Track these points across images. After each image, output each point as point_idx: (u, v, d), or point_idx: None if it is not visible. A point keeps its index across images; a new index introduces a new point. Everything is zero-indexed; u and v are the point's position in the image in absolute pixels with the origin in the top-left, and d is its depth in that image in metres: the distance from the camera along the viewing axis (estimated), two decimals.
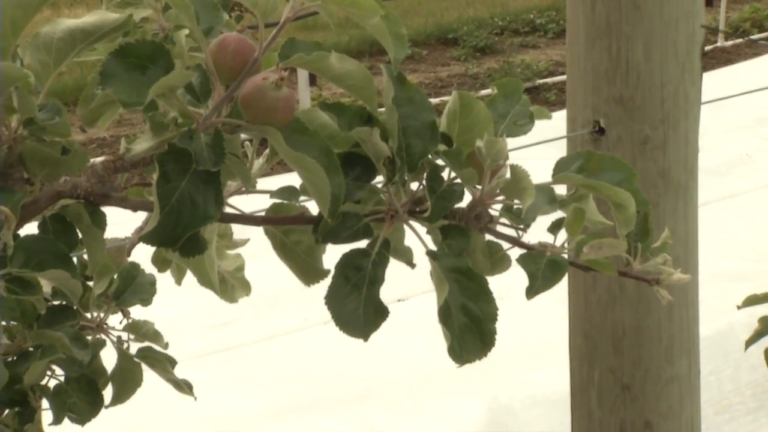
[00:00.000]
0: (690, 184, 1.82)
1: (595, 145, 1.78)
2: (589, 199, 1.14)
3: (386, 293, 1.11)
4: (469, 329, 1.09)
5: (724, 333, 2.82)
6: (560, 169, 1.14)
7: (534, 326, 1.90)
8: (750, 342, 2.48)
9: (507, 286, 1.18)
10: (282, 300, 4.35)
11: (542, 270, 1.11)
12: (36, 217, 1.08)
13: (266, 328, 4.33)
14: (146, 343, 1.51)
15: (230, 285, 1.42)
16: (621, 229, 1.12)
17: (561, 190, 1.17)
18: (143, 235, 1.03)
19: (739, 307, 2.47)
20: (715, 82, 8.23)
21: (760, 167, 5.98)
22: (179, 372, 1.50)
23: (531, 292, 1.11)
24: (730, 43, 9.93)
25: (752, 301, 2.45)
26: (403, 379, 3.98)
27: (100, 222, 1.12)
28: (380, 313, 1.10)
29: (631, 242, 1.14)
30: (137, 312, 1.50)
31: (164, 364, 1.50)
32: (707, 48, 10.26)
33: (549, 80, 10.08)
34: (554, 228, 1.15)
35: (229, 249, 1.41)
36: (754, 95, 8.52)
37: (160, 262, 1.42)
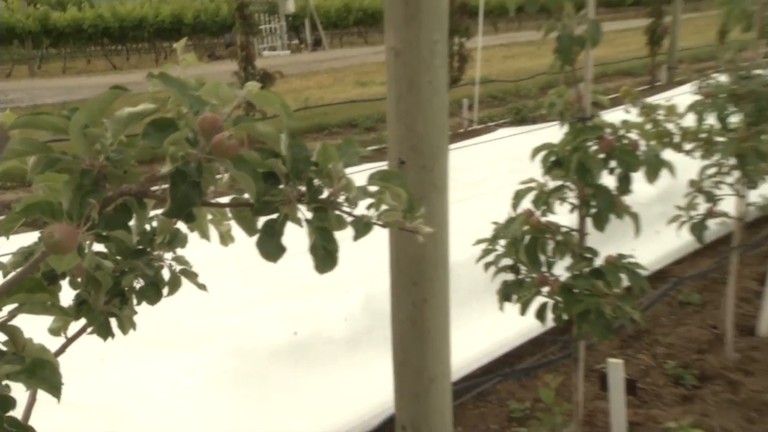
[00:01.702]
0: (443, 188, 1.83)
1: (400, 169, 1.78)
2: (386, 193, 1.18)
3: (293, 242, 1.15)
4: (324, 256, 1.13)
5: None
6: (372, 178, 1.18)
7: (378, 257, 1.91)
8: (479, 259, 2.54)
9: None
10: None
11: (361, 227, 1.15)
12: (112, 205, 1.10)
13: (244, 263, 4.24)
14: (183, 267, 1.55)
15: (224, 237, 1.43)
16: (400, 206, 1.16)
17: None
18: (164, 213, 1.06)
19: (473, 245, 2.54)
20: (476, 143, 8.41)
21: (495, 182, 6.03)
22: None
23: (356, 238, 1.16)
24: (481, 126, 10.00)
25: (479, 242, 2.52)
26: (317, 284, 3.95)
27: (144, 206, 1.14)
28: (282, 249, 1.13)
29: (405, 213, 1.17)
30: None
31: (193, 277, 1.54)
32: (471, 128, 10.33)
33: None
34: (369, 206, 1.18)
35: (225, 221, 1.41)
36: (501, 143, 8.68)
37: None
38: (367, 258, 2.85)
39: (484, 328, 3.85)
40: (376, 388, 2.90)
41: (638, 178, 2.34)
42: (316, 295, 3.83)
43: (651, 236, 4.85)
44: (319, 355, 3.44)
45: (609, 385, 2.83)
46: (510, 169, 6.55)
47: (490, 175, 6.77)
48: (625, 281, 2.36)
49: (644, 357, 3.71)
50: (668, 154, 3.87)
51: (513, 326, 3.67)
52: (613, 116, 3.46)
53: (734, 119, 3.12)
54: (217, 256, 2.70)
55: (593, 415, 3.13)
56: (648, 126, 3.86)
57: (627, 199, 2.46)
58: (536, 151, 2.37)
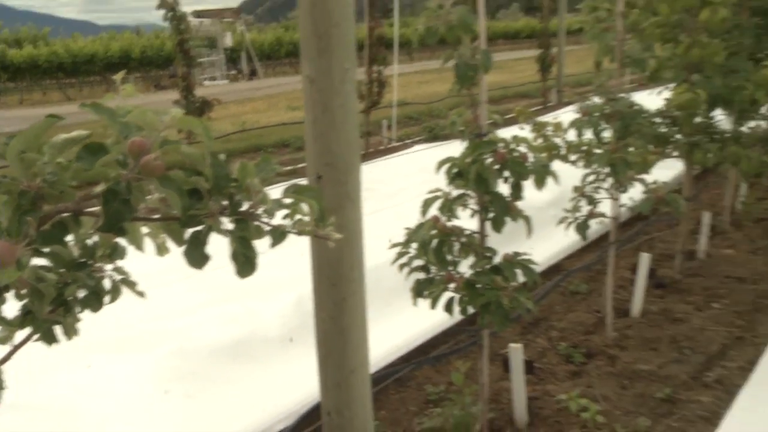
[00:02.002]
0: (357, 199, 1.82)
1: (318, 184, 1.78)
2: (300, 204, 1.17)
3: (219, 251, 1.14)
4: (245, 263, 1.12)
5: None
6: (287, 191, 1.17)
7: (308, 262, 1.89)
8: (394, 261, 2.55)
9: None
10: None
11: (277, 235, 1.14)
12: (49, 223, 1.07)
13: (190, 271, 4.13)
14: (123, 277, 1.50)
15: (160, 248, 1.40)
16: (312, 216, 1.16)
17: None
18: (98, 228, 1.04)
19: (388, 248, 2.54)
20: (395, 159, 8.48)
21: (412, 192, 6.07)
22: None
23: (273, 245, 1.15)
24: (399, 143, 10.08)
25: (393, 245, 2.52)
26: (254, 288, 3.91)
27: (79, 222, 1.11)
28: (206, 258, 1.12)
29: (317, 222, 1.17)
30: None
31: (132, 286, 1.48)
32: (391, 145, 10.39)
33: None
34: (286, 216, 1.17)
35: (161, 234, 1.38)
36: (416, 158, 8.74)
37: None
38: (298, 263, 2.83)
39: (403, 322, 3.86)
40: (307, 380, 2.88)
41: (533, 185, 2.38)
42: (254, 298, 3.78)
43: (546, 236, 4.95)
44: (255, 352, 3.40)
45: (510, 366, 2.88)
46: (424, 180, 6.56)
47: (407, 186, 6.80)
48: (521, 276, 2.41)
49: (541, 340, 3.78)
50: (558, 165, 3.99)
51: (429, 319, 3.69)
52: (511, 132, 3.54)
53: (607, 134, 3.22)
54: (165, 266, 2.65)
55: (498, 393, 3.17)
56: (539, 141, 3.97)
57: (524, 204, 2.50)
58: (441, 164, 2.39)
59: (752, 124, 4.61)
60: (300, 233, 1.17)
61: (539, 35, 14.20)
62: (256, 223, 1.15)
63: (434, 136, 10.66)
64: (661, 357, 3.48)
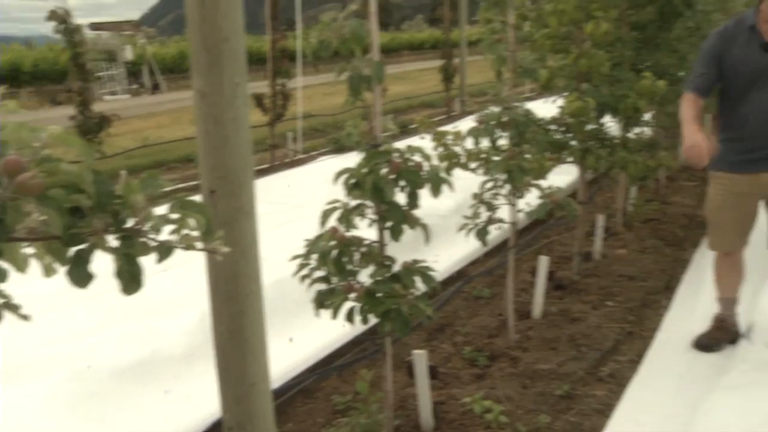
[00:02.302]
0: (251, 212, 1.82)
1: (211, 198, 1.76)
2: (186, 219, 1.16)
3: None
4: (130, 280, 1.10)
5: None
6: (173, 206, 1.15)
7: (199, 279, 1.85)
8: (296, 273, 2.54)
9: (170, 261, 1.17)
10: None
11: (164, 251, 1.13)
12: None
13: (89, 291, 4.00)
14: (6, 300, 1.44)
15: (47, 269, 1.35)
16: (200, 230, 1.15)
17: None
18: None
19: (289, 260, 2.54)
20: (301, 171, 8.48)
21: (318, 203, 6.08)
22: None
23: (159, 261, 1.13)
24: (305, 155, 10.10)
25: (295, 257, 2.52)
26: (158, 305, 3.83)
27: None
28: (90, 276, 1.10)
29: (204, 236, 1.16)
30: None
31: (14, 309, 1.40)
32: (297, 157, 10.38)
33: None
34: (173, 231, 1.16)
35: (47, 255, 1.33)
36: (322, 169, 8.75)
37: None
38: (202, 279, 2.78)
39: (311, 333, 3.87)
40: (211, 396, 2.84)
41: (446, 192, 2.42)
42: (157, 316, 3.70)
43: (451, 242, 5.05)
44: (159, 370, 3.32)
45: (415, 373, 2.92)
46: (330, 191, 6.61)
47: (313, 197, 6.78)
48: (420, 283, 2.45)
49: (446, 346, 3.85)
50: (459, 173, 4.09)
51: (335, 330, 3.71)
52: (413, 142, 3.59)
53: (504, 142, 3.33)
54: (62, 287, 2.56)
55: (405, 400, 3.21)
56: (440, 149, 4.06)
57: (428, 212, 2.55)
58: (338, 174, 2.41)
59: (638, 130, 4.86)
60: (187, 248, 1.16)
61: (442, 46, 14.48)
62: (142, 239, 1.13)
63: (340, 147, 10.69)
64: (560, 356, 3.61)
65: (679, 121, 3.36)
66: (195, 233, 1.17)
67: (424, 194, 2.38)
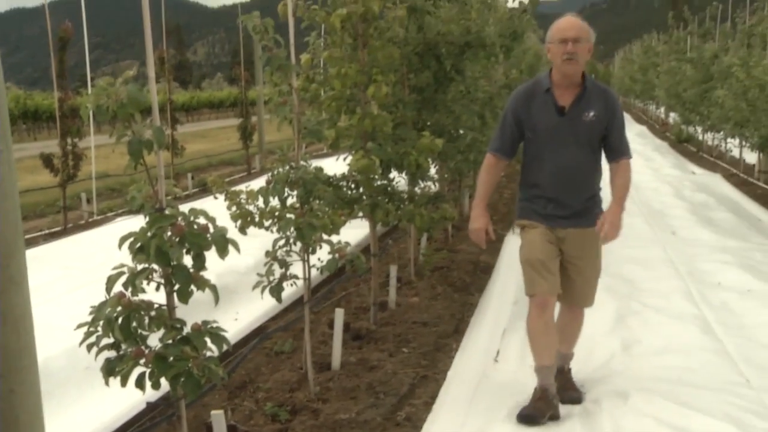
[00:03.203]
0: (22, 282, 1.74)
1: None
2: None
3: None
4: None
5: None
6: None
7: None
8: (82, 342, 2.41)
9: None
10: None
11: None
12: None
13: None
14: None
15: None
16: None
17: None
18: None
19: (75, 329, 2.41)
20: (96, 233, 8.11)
21: (110, 267, 5.81)
22: None
23: None
24: (101, 216, 9.69)
25: (80, 326, 2.39)
26: None
27: None
28: None
29: None
30: None
31: None
32: (92, 219, 9.88)
33: None
34: None
35: None
36: (119, 231, 8.33)
37: None
38: None
39: (105, 403, 3.68)
40: None
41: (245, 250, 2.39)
42: None
43: (250, 299, 5.03)
44: None
45: None
46: (125, 254, 6.35)
47: (108, 260, 6.47)
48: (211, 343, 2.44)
49: (248, 403, 3.80)
50: (255, 231, 4.11)
51: (133, 396, 3.55)
52: (206, 203, 3.57)
53: (293, 200, 3.41)
54: None
55: None
56: (234, 209, 4.08)
57: (228, 269, 2.54)
58: (123, 239, 2.36)
59: (423, 184, 5.18)
60: None
61: (239, 105, 14.55)
62: None
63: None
64: (359, 404, 3.69)
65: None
66: None
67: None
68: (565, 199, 3.42)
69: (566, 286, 3.49)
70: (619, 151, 3.43)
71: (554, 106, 3.37)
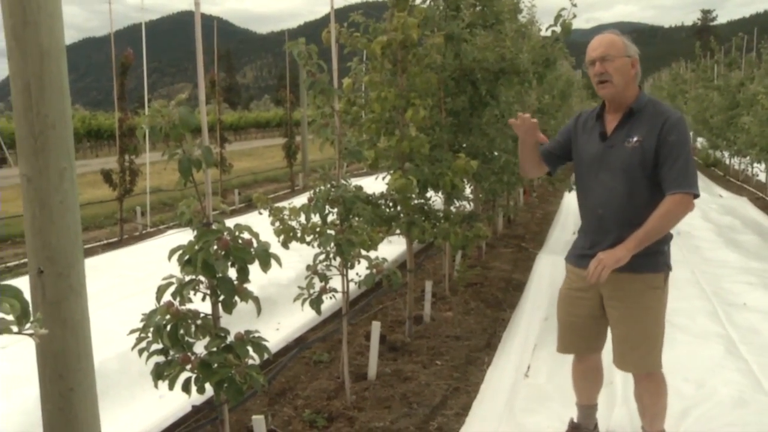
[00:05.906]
0: (81, 291, 1.76)
1: (39, 278, 1.69)
2: (3, 303, 1.12)
3: None
4: None
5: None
6: None
7: None
8: (134, 347, 2.45)
9: None
10: None
11: None
12: None
13: None
14: None
15: None
16: (14, 314, 1.11)
17: None
18: None
19: (128, 335, 2.44)
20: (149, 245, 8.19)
21: (161, 277, 5.88)
22: None
23: None
24: (153, 229, 9.79)
25: (132, 332, 2.42)
26: None
27: None
28: None
29: (21, 319, 1.11)
30: None
31: None
32: (145, 231, 10.04)
33: None
34: None
35: None
36: (169, 243, 8.43)
37: None
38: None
39: (155, 404, 3.72)
40: None
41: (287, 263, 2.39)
42: None
43: (292, 311, 5.05)
44: None
45: None
46: (175, 264, 6.44)
47: (159, 271, 6.56)
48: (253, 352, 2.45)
49: (288, 410, 3.80)
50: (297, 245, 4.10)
51: (179, 399, 3.58)
52: (251, 218, 3.60)
53: (333, 217, 3.42)
54: None
55: None
56: (277, 224, 4.10)
57: (270, 282, 2.56)
58: (172, 252, 2.38)
59: (458, 204, 5.16)
60: (1, 332, 1.12)
61: (284, 125, 14.71)
62: None
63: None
64: (393, 413, 3.67)
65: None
66: (10, 317, 1.14)
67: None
68: (599, 236, 2.87)
69: (612, 337, 2.99)
70: (669, 182, 2.73)
71: (599, 133, 2.90)
